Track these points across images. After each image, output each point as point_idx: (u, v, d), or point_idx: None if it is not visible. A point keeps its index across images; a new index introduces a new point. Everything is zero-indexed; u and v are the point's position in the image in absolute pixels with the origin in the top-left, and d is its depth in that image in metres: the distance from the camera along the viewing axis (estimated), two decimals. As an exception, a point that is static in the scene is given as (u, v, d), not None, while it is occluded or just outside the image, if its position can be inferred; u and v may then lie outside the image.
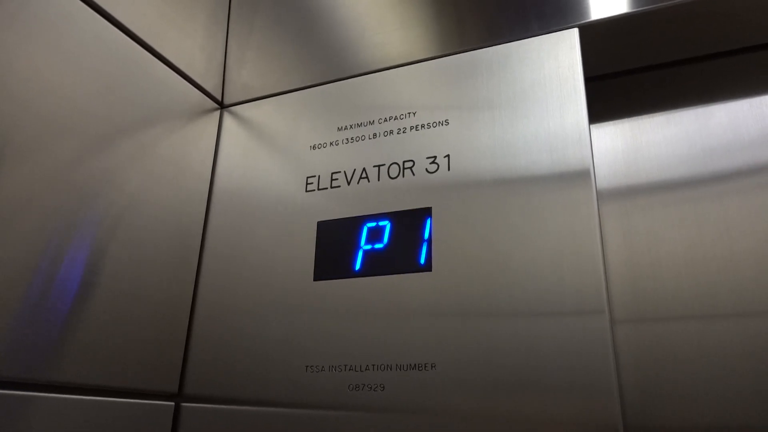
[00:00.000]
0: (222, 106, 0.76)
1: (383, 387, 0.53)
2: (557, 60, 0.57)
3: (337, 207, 0.62)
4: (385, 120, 0.64)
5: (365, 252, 0.59)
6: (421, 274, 0.55)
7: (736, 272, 0.54)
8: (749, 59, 0.61)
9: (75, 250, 0.52)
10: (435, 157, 0.59)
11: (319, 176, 0.64)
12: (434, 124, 0.61)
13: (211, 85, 0.74)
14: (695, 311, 0.55)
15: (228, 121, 0.74)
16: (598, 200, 0.52)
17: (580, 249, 0.50)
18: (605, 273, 0.49)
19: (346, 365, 0.55)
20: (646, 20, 0.57)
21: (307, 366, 0.56)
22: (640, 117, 0.64)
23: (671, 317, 0.55)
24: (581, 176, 0.52)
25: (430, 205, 0.57)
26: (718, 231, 0.56)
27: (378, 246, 0.58)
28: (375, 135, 0.64)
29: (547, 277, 0.50)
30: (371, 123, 0.64)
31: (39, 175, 0.50)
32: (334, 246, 0.60)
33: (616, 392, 0.45)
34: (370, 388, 0.53)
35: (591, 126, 0.64)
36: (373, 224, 0.59)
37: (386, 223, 0.59)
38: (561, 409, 0.46)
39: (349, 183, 0.63)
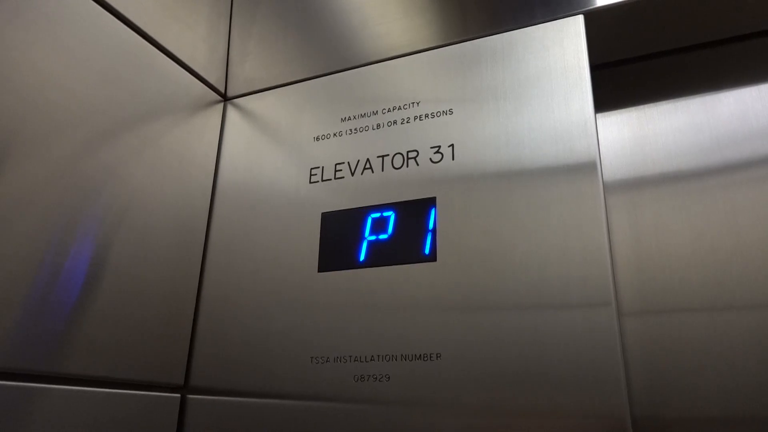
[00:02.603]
0: (225, 98, 0.75)
1: (388, 377, 0.52)
2: (562, 48, 0.57)
3: (341, 198, 0.62)
4: (389, 110, 0.63)
5: (370, 243, 0.58)
6: (425, 264, 0.55)
7: (744, 263, 0.54)
8: (758, 45, 0.60)
9: (80, 243, 0.52)
10: (439, 146, 0.59)
11: (322, 167, 0.64)
12: (438, 114, 0.61)
13: (215, 77, 0.74)
14: (703, 303, 0.54)
15: (231, 113, 0.74)
16: (604, 191, 0.51)
17: (587, 240, 0.49)
18: (612, 265, 0.48)
19: (351, 356, 0.55)
20: (652, 6, 0.57)
21: (312, 357, 0.56)
22: (646, 105, 0.63)
23: (679, 309, 0.55)
24: (587, 167, 0.52)
25: (434, 195, 0.57)
26: (726, 222, 0.56)
27: (382, 237, 0.58)
28: (379, 125, 0.63)
29: (553, 268, 0.50)
30: (375, 113, 0.64)
31: (44, 169, 0.50)
32: (338, 237, 0.60)
33: (624, 384, 0.45)
34: (376, 378, 0.53)
35: (597, 115, 0.64)
36: (377, 215, 0.59)
37: (390, 214, 0.58)
38: (568, 401, 0.46)
39: (353, 174, 0.62)
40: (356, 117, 0.65)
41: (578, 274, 0.49)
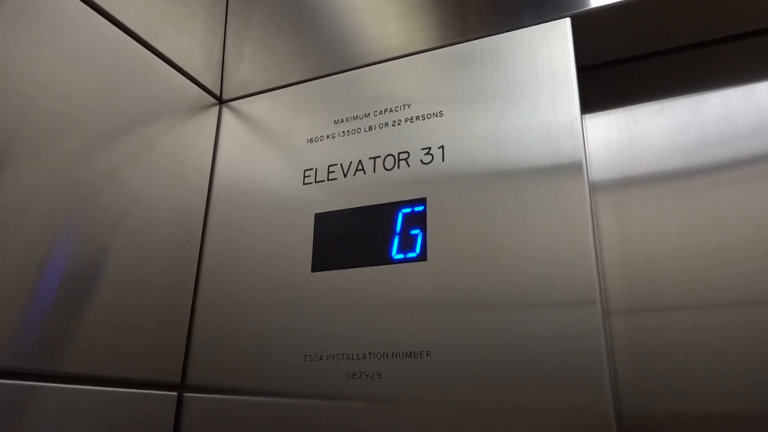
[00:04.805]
0: (221, 101, 0.76)
1: (380, 375, 0.53)
2: (549, 50, 0.58)
3: (334, 199, 0.63)
4: (381, 112, 0.64)
5: (362, 243, 0.59)
6: (416, 264, 0.56)
7: (730, 262, 0.54)
8: (742, 46, 0.61)
9: (80, 244, 0.53)
10: (429, 148, 0.60)
11: (316, 169, 0.65)
12: (429, 116, 0.61)
13: (210, 80, 0.75)
14: (690, 301, 0.55)
15: (227, 116, 0.75)
16: (590, 191, 0.52)
17: (573, 240, 0.50)
18: (597, 264, 0.49)
19: (343, 354, 0.56)
20: (638, 8, 0.58)
21: (305, 355, 0.57)
22: (633, 106, 0.64)
23: (666, 307, 0.55)
24: (573, 167, 0.52)
25: (425, 196, 0.58)
26: (712, 221, 0.56)
27: (374, 237, 0.59)
28: (371, 127, 0.64)
29: (539, 268, 0.51)
30: (367, 115, 0.65)
31: (43, 173, 0.51)
32: (331, 237, 0.61)
33: (608, 382, 0.45)
34: (367, 376, 0.54)
35: (585, 115, 0.64)
36: (369, 215, 0.60)
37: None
38: (554, 398, 0.47)
39: (345, 175, 0.63)
40: (349, 119, 0.66)
41: (564, 274, 0.50)
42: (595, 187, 0.62)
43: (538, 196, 0.53)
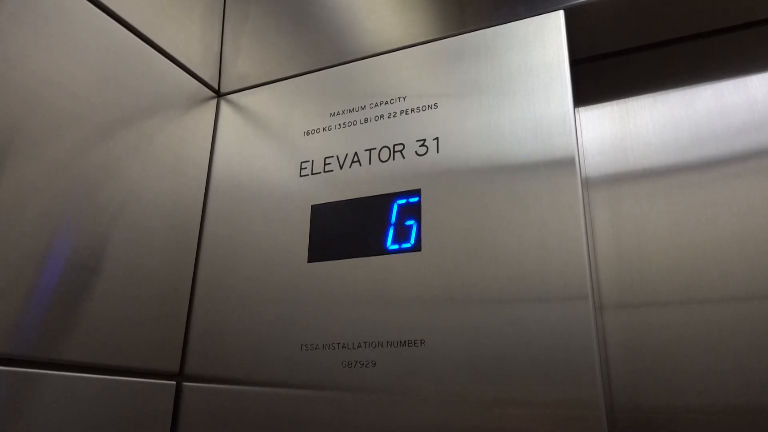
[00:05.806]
0: (219, 94, 0.77)
1: (375, 363, 0.54)
2: (543, 43, 0.58)
3: (330, 191, 0.63)
4: (376, 105, 0.65)
5: (357, 233, 0.60)
6: (411, 254, 0.56)
7: (723, 257, 0.54)
8: (735, 38, 0.61)
9: (80, 237, 0.54)
10: (424, 139, 0.61)
11: (312, 161, 0.66)
12: (423, 108, 0.62)
13: (208, 74, 0.75)
14: (683, 296, 0.55)
15: (225, 109, 0.75)
16: (584, 186, 0.52)
17: (565, 235, 0.50)
18: (589, 259, 0.49)
19: (339, 343, 0.57)
20: (631, 0, 0.58)
21: (302, 344, 0.58)
22: (627, 99, 0.64)
23: (659, 302, 0.55)
24: (566, 162, 0.53)
25: (419, 187, 0.59)
26: (706, 216, 0.56)
27: (370, 227, 0.59)
28: (366, 120, 0.65)
29: (532, 262, 0.51)
30: (362, 108, 0.66)
31: (44, 167, 0.52)
32: (327, 228, 0.62)
33: (599, 375, 0.46)
34: (363, 364, 0.55)
35: (579, 108, 0.65)
36: (365, 207, 0.61)
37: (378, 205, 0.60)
38: (545, 391, 0.47)
39: (341, 167, 0.64)
40: (345, 112, 0.66)
41: (556, 268, 0.50)
42: (589, 182, 0.62)
43: (531, 190, 0.53)
